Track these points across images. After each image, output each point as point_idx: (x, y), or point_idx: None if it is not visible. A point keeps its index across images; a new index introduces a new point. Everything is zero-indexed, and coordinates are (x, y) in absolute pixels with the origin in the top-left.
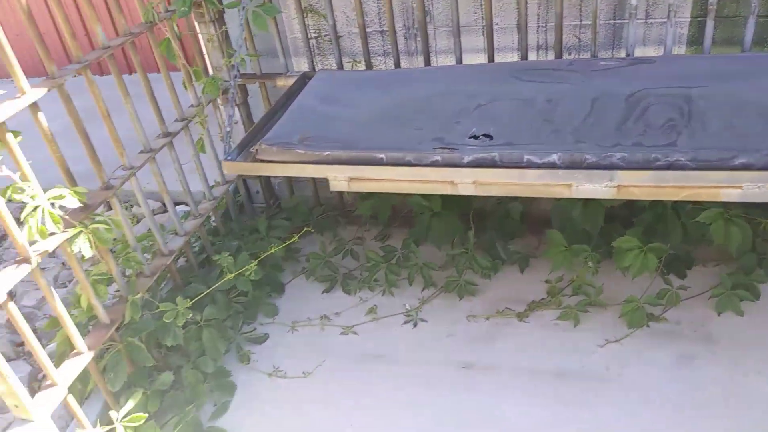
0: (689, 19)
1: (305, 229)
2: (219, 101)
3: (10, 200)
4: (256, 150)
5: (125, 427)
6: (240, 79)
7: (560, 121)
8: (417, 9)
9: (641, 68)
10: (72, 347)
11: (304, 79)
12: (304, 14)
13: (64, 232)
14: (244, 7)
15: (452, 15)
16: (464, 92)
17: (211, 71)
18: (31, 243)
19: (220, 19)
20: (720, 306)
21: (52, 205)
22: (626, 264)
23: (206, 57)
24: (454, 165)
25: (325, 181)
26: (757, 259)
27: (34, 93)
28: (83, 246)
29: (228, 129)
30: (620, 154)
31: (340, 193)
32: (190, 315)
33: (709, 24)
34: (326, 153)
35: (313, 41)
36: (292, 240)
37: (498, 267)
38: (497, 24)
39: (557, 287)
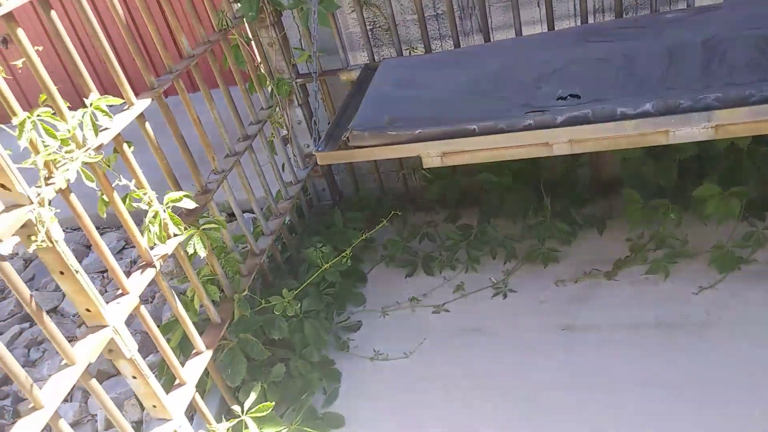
0: None
1: (393, 212)
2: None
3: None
4: (348, 137)
5: (252, 418)
6: (301, 79)
7: (643, 74)
8: None
9: (709, 15)
10: (188, 348)
11: (367, 70)
12: (361, 7)
13: (178, 235)
14: (302, 9)
15: None
16: (536, 60)
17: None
18: (150, 248)
19: (279, 23)
20: None
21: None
22: (709, 212)
23: (268, 61)
24: (547, 126)
25: (387, 172)
26: None
27: (140, 104)
28: (198, 246)
29: (315, 120)
30: (714, 94)
31: (405, 182)
32: (299, 305)
33: None
34: (418, 131)
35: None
36: (381, 225)
37: (576, 232)
38: None
39: (640, 244)
